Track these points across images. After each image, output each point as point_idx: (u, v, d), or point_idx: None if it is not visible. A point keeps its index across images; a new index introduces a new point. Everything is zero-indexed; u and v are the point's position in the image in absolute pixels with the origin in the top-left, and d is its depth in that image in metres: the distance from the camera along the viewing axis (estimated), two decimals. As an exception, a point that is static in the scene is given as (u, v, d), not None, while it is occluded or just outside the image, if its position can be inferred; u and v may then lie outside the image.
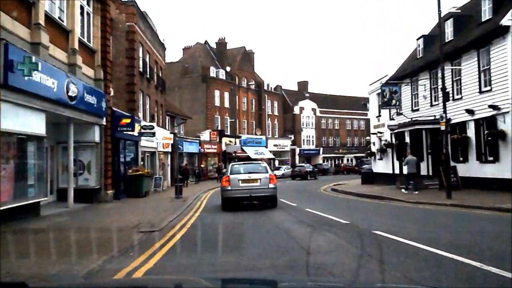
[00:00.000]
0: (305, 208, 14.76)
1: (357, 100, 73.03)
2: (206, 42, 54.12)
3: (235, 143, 45.87)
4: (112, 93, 20.96)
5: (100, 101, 15.82)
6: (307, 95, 66.40)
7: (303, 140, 62.57)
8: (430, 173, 20.76)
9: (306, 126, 63.06)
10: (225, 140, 46.39)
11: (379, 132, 25.74)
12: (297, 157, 60.85)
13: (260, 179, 13.72)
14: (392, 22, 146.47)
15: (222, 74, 49.86)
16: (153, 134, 22.79)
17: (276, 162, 54.75)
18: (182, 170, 34.69)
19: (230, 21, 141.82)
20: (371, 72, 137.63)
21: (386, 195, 18.83)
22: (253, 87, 55.53)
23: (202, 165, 42.28)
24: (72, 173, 14.92)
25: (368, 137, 69.03)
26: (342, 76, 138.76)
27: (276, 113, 60.02)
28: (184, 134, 38.69)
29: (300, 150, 61.47)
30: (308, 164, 49.82)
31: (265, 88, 57.71)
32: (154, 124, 22.97)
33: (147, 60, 26.37)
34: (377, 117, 27.18)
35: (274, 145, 57.25)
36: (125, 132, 18.64)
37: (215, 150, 44.40)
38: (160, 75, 31.01)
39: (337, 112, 67.56)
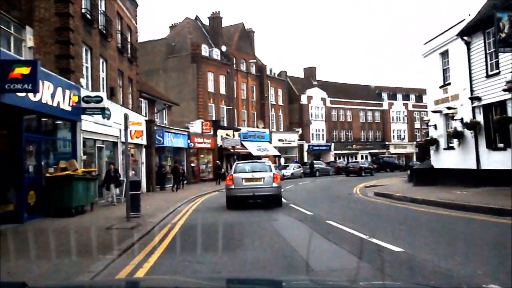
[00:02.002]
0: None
1: (370, 89, 64.93)
2: (197, 18, 45.54)
3: (233, 137, 37.26)
4: (31, 41, 12.73)
5: None
6: (315, 83, 57.92)
7: (312, 134, 54.05)
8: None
9: (315, 118, 54.53)
10: (220, 133, 37.82)
11: (450, 108, 17.14)
12: (305, 154, 52.34)
13: (264, 178, 13.61)
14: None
15: (216, 54, 41.29)
16: (102, 112, 14.25)
17: (282, 160, 46.22)
18: (172, 169, 26.34)
19: None
20: (383, 58, 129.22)
21: (487, 204, 10.54)
22: (253, 71, 46.96)
23: (193, 164, 33.71)
24: None
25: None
26: (352, 62, 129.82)
27: (280, 102, 51.45)
28: (169, 125, 30.13)
29: (309, 146, 52.95)
30: (363, 160, 46.12)
31: (268, 73, 49.17)
32: (103, 95, 14.32)
33: (101, 4, 17.81)
34: (442, 87, 18.58)
35: (279, 140, 48.74)
36: (21, 95, 10.01)
37: (209, 145, 35.82)
38: (129, 38, 22.44)
39: (349, 102, 59.09)
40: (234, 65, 43.38)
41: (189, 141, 32.10)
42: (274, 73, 51.27)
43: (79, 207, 11.92)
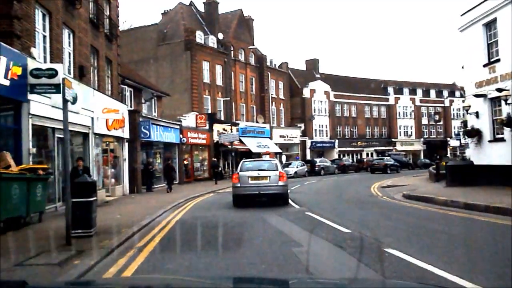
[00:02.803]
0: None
1: (375, 82, 61.52)
2: (191, 3, 41.95)
3: (231, 132, 33.73)
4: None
5: None
6: (318, 76, 54.46)
7: (315, 130, 50.56)
8: None
9: (319, 113, 51.05)
10: (217, 127, 34.32)
11: (500, 90, 13.65)
12: (308, 151, 48.90)
13: (270, 176, 13.36)
14: None
15: (212, 42, 37.75)
16: (56, 90, 10.65)
17: (284, 158, 42.74)
18: (165, 167, 22.96)
19: None
20: (388, 51, 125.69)
21: None
22: (252, 61, 43.45)
23: (186, 161, 30.22)
24: None
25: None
26: (355, 55, 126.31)
27: (281, 96, 47.95)
28: (159, 118, 26.57)
29: (311, 142, 49.48)
30: (388, 157, 44.37)
31: (268, 64, 45.65)
32: (59, 67, 10.74)
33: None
34: (487, 65, 15.10)
35: (281, 136, 45.25)
36: None
37: (204, 141, 32.31)
38: (107, 11, 18.87)
39: (354, 96, 55.65)
40: (232, 55, 39.86)
41: (181, 135, 28.59)
42: (275, 65, 47.77)
43: (14, 219, 8.40)
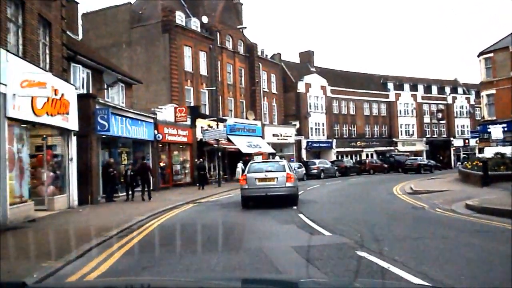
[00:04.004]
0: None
1: (374, 78, 56.96)
2: (171, -17, 36.77)
3: (218, 128, 28.51)
4: None
5: None
6: (313, 69, 49.64)
7: (311, 128, 45.65)
8: None
9: (315, 109, 46.16)
10: (201, 123, 29.15)
11: None
12: (303, 152, 43.95)
13: (277, 178, 13.36)
14: None
15: (195, 25, 32.62)
16: None
17: (277, 159, 37.64)
18: (139, 169, 17.93)
19: None
20: (386, 45, 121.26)
21: None
22: (242, 50, 38.39)
23: (163, 164, 24.98)
24: None
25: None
26: (351, 47, 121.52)
27: (274, 90, 42.93)
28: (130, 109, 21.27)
29: (307, 142, 44.53)
30: (421, 158, 43.38)
31: (259, 54, 40.63)
32: None
33: None
34: None
35: (274, 135, 40.22)
36: None
37: (185, 139, 27.08)
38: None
39: (352, 92, 50.93)
40: (218, 41, 34.77)
41: (156, 131, 23.36)
42: (266, 55, 42.76)
43: None
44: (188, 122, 27.14)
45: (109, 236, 7.83)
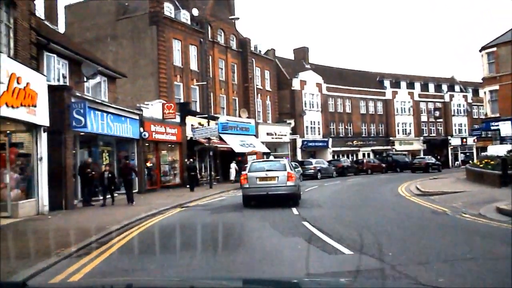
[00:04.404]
0: None
1: (371, 76, 55.53)
2: (160, -26, 34.95)
3: (209, 126, 26.73)
4: None
5: None
6: (308, 66, 48.07)
7: (306, 127, 44.04)
8: None
9: (310, 107, 44.56)
10: (191, 120, 27.39)
11: None
12: (298, 152, 42.35)
13: (278, 177, 13.30)
14: None
15: (185, 18, 30.88)
16: None
17: (271, 158, 35.99)
18: (121, 169, 16.24)
19: None
20: (388, 41, 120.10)
21: None
22: (234, 45, 36.68)
23: (150, 164, 23.21)
24: None
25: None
26: (348, 45, 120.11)
27: (268, 87, 41.28)
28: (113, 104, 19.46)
29: (303, 141, 42.92)
30: (429, 156, 42.94)
31: (252, 49, 38.95)
32: None
33: None
34: None
35: (268, 134, 38.56)
36: None
37: (174, 137, 25.32)
38: None
39: (348, 90, 49.43)
40: (210, 35, 33.03)
41: (142, 129, 21.60)
42: (260, 51, 41.08)
43: None
44: (177, 120, 25.40)
45: (63, 256, 6.09)
